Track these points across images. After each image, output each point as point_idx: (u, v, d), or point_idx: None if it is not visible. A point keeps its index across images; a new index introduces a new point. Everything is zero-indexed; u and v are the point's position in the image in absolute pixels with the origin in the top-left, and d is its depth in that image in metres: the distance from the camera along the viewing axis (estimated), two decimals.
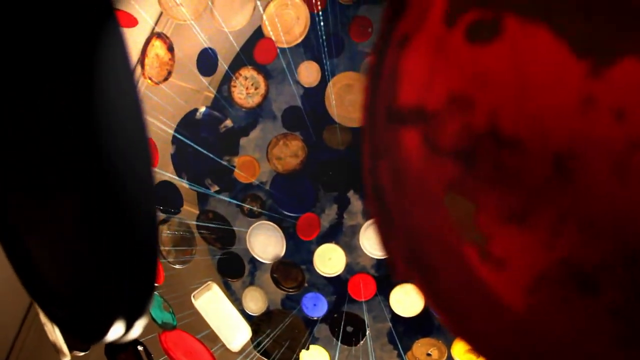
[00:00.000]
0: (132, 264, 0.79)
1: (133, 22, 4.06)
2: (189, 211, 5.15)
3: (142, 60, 4.10)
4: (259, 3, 4.40)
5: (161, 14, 4.51)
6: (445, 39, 0.63)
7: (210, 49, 4.53)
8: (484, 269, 0.68)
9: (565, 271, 0.61)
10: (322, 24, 4.75)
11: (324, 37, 4.86)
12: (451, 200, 0.70)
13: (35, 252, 0.91)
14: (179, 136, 4.41)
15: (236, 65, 4.87)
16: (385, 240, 0.80)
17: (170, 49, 4.25)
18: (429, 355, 4.70)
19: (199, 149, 4.32)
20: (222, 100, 5.32)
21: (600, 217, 0.58)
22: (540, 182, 0.60)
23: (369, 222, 4.73)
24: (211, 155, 4.47)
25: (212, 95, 5.37)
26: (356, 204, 5.38)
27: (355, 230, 5.33)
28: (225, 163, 4.60)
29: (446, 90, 0.65)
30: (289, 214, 4.77)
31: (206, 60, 4.49)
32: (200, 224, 4.59)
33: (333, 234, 5.37)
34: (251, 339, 4.45)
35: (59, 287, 0.92)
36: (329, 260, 4.71)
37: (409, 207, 0.76)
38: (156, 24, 4.57)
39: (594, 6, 0.55)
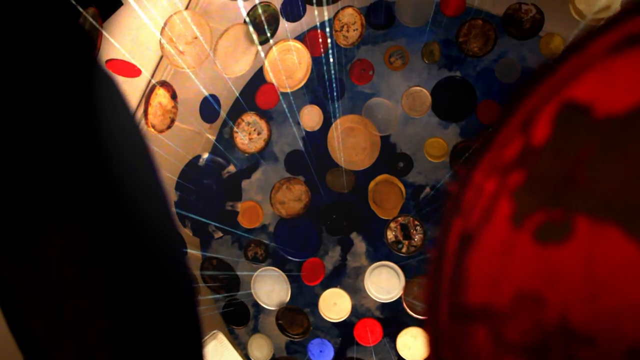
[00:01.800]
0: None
1: (136, 72, 4.08)
2: (191, 254, 5.12)
3: (145, 109, 4.10)
4: (259, 49, 4.42)
5: (160, 59, 4.54)
6: (513, 240, 0.63)
7: (212, 95, 4.54)
8: None
9: None
10: (324, 68, 4.79)
11: (326, 81, 4.89)
12: None
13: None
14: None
15: (238, 109, 4.89)
16: None
17: (174, 96, 4.27)
18: None
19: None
20: (224, 142, 5.33)
21: None
22: None
23: (374, 265, 4.72)
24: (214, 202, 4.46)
25: (214, 138, 5.38)
26: (359, 245, 5.36)
27: (359, 272, 5.31)
28: (228, 209, 4.59)
29: (515, 289, 0.64)
30: (293, 259, 4.75)
31: (209, 108, 4.50)
32: (205, 273, 4.56)
33: (337, 276, 5.35)
34: None
35: None
36: (334, 305, 4.68)
37: None
38: (155, 70, 4.59)
39: None
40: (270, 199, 4.73)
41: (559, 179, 0.60)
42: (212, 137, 5.47)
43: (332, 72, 4.91)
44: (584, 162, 0.59)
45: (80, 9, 3.43)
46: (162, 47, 4.10)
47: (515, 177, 0.62)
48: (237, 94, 4.86)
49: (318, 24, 4.70)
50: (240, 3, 4.15)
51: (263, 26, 4.39)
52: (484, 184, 0.66)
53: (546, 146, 0.61)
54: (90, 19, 3.52)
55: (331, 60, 4.80)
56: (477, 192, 0.67)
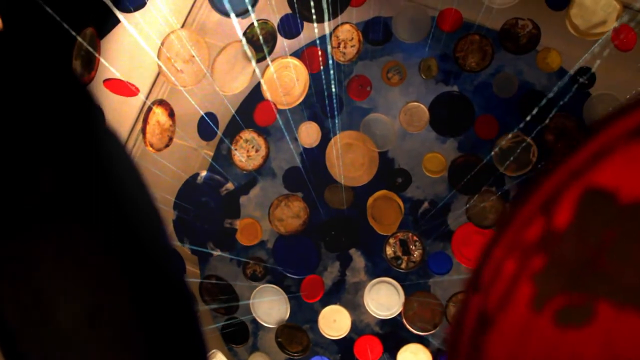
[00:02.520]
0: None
1: (134, 91, 4.07)
2: (191, 270, 5.10)
3: (143, 128, 4.09)
4: (255, 68, 4.42)
5: (157, 76, 4.53)
6: (533, 323, 0.62)
7: (210, 113, 4.53)
8: None
9: None
10: (322, 84, 4.79)
11: (324, 98, 4.89)
12: None
13: None
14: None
15: (236, 125, 4.87)
16: None
17: (171, 114, 4.25)
18: None
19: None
20: (222, 159, 5.32)
21: None
22: None
23: (374, 281, 4.70)
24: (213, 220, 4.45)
25: (211, 154, 5.36)
26: (358, 260, 5.35)
27: (359, 288, 5.29)
28: (227, 226, 4.57)
29: None
30: (292, 276, 4.74)
31: (206, 126, 4.49)
32: (204, 291, 4.54)
33: (336, 292, 5.33)
34: None
35: None
36: (334, 322, 4.66)
37: None
38: (152, 87, 4.58)
39: None
40: (268, 216, 4.71)
41: (581, 263, 0.59)
42: (210, 153, 5.45)
43: (330, 88, 4.91)
44: (606, 247, 0.58)
45: (76, 36, 3.43)
46: (159, 66, 4.09)
47: (536, 261, 0.62)
48: (234, 112, 4.85)
49: (317, 40, 4.70)
50: (235, 21, 4.15)
51: (260, 44, 4.39)
52: (504, 263, 0.65)
53: (568, 230, 0.60)
54: (86, 45, 3.52)
55: (330, 76, 4.80)
56: (497, 271, 0.66)
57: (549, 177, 0.64)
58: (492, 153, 4.80)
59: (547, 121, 4.79)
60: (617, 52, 4.51)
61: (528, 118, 4.93)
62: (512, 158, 4.72)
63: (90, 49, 3.47)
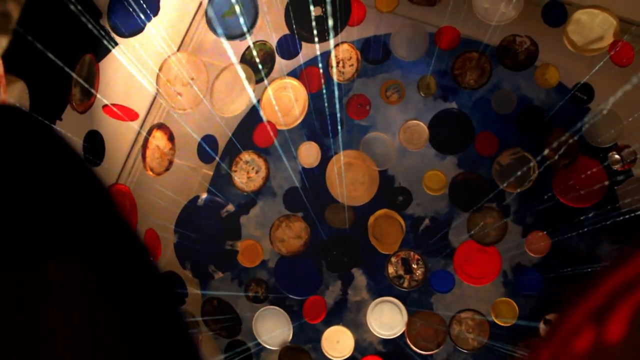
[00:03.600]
0: None
1: (134, 115, 4.05)
2: (192, 292, 5.06)
3: (143, 153, 4.06)
4: (250, 92, 4.40)
5: (154, 100, 4.52)
6: None
7: (209, 136, 4.52)
8: None
9: None
10: (321, 104, 4.78)
11: (323, 117, 4.88)
12: None
13: None
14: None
15: (235, 146, 4.85)
16: None
17: (171, 138, 4.23)
18: None
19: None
20: (222, 178, 5.30)
21: None
22: None
23: (376, 300, 4.68)
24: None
25: (211, 174, 5.34)
26: (360, 279, 5.33)
27: (361, 306, 5.27)
28: (228, 248, 4.54)
29: None
30: (295, 297, 4.71)
31: (206, 148, 4.47)
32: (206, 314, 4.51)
33: (338, 311, 5.30)
34: None
35: None
36: (337, 343, 4.64)
37: None
38: (150, 108, 4.57)
39: None
40: (270, 237, 4.69)
41: None
42: (210, 173, 5.44)
43: (329, 107, 4.90)
44: None
45: (74, 75, 3.42)
46: (158, 91, 4.08)
47: None
48: (231, 136, 4.84)
49: (315, 60, 4.70)
50: (229, 49, 4.13)
51: (258, 65, 4.38)
52: None
53: (620, 345, 0.58)
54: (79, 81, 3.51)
55: (329, 96, 4.80)
56: None
57: (603, 283, 0.62)
58: (492, 169, 4.80)
59: (546, 137, 4.80)
60: (616, 67, 4.53)
61: (527, 134, 4.94)
62: (513, 176, 4.73)
63: (83, 85, 3.45)
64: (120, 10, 3.83)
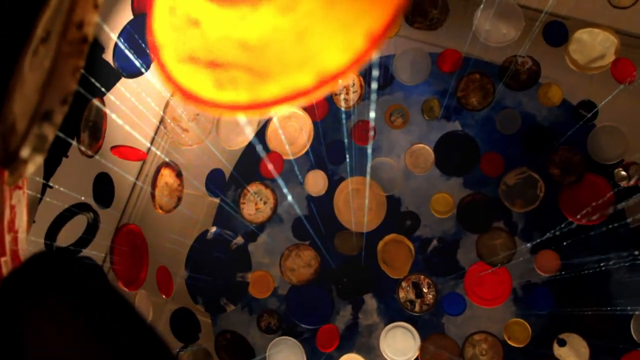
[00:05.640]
0: None
1: (142, 155, 4.06)
2: (204, 321, 5.06)
3: (152, 192, 4.07)
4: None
5: (156, 133, 4.52)
6: None
7: (217, 170, 4.53)
8: None
9: None
10: (326, 131, 4.79)
11: (329, 145, 4.89)
12: None
13: None
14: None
15: (242, 177, 4.86)
16: None
17: (179, 175, 4.24)
18: None
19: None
20: (229, 207, 5.30)
21: None
22: None
23: (389, 326, 4.69)
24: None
25: (217, 202, 5.34)
26: (370, 302, 5.33)
27: (372, 330, 5.28)
28: (239, 280, 4.55)
29: None
30: (307, 326, 4.72)
31: (214, 182, 4.48)
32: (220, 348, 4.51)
33: (350, 335, 5.30)
34: None
35: None
36: None
37: None
38: (153, 140, 4.57)
39: None
40: (280, 267, 4.70)
41: None
42: (216, 200, 5.44)
43: (335, 135, 4.91)
44: None
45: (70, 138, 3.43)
46: (164, 128, 4.09)
47: None
48: (232, 170, 4.84)
49: None
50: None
51: None
52: None
53: None
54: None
55: (334, 123, 4.81)
56: None
57: None
58: (499, 190, 4.82)
59: (551, 155, 4.82)
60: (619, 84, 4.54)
61: (533, 153, 4.96)
62: (519, 196, 4.74)
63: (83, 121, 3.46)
64: (122, 52, 3.83)
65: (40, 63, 1.18)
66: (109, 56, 3.82)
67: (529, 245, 5.09)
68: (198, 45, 0.74)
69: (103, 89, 3.82)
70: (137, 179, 4.49)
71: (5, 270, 1.45)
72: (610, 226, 4.65)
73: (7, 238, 1.51)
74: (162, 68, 0.77)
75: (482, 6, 4.51)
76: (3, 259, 1.48)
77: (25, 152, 1.13)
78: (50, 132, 1.12)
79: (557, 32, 4.62)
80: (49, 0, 1.29)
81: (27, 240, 1.54)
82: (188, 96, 0.74)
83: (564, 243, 4.75)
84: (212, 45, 0.73)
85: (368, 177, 4.87)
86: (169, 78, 0.77)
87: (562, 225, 4.57)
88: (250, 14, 0.71)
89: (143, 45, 3.76)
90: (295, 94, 0.67)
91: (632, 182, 4.66)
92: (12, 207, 1.52)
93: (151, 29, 0.81)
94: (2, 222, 1.48)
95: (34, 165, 1.17)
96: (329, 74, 0.66)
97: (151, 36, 0.80)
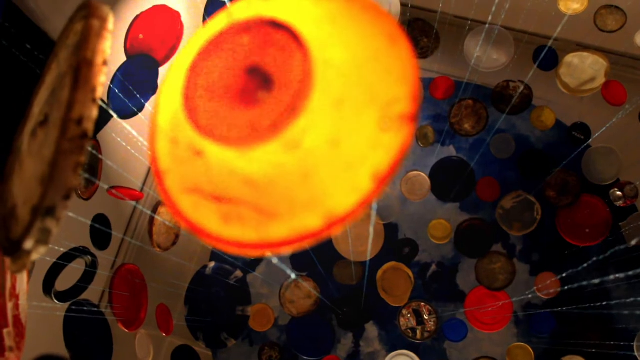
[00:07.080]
0: None
1: (138, 195, 4.05)
2: (205, 354, 5.03)
3: (150, 230, 4.05)
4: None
5: (148, 172, 4.52)
6: None
7: None
8: None
9: None
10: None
11: None
12: None
13: None
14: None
15: None
16: None
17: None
18: None
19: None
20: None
21: None
22: None
23: (391, 355, 4.67)
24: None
25: None
26: (371, 330, 5.31)
27: (374, 358, 5.25)
28: (239, 314, 4.53)
29: None
30: (309, 358, 4.69)
31: None
32: None
33: None
34: None
35: None
36: None
37: None
38: (146, 180, 4.57)
39: None
40: (279, 299, 4.67)
41: None
42: None
43: None
44: None
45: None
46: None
47: None
48: None
49: None
50: None
51: None
52: None
53: None
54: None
55: None
56: None
57: None
58: (496, 214, 4.82)
59: (547, 177, 4.84)
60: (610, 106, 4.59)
61: (528, 176, 4.97)
62: (517, 219, 4.75)
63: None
64: (116, 95, 3.83)
65: (40, 150, 1.18)
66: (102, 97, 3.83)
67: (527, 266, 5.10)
68: (202, 178, 0.75)
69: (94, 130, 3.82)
70: (131, 218, 4.49)
71: (8, 342, 1.44)
72: (610, 249, 4.67)
73: (9, 306, 1.50)
74: (167, 196, 0.77)
75: (471, 33, 4.56)
76: (6, 330, 1.46)
77: (28, 245, 1.13)
78: (53, 226, 1.12)
79: (546, 56, 4.66)
80: (44, 77, 1.29)
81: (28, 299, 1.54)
82: (194, 228, 0.74)
83: (563, 263, 4.77)
84: (216, 178, 0.73)
85: (374, 205, 4.86)
86: (173, 208, 0.76)
87: (557, 242, 4.58)
88: (255, 151, 0.71)
89: (134, 89, 3.77)
90: (304, 235, 0.67)
91: (627, 201, 4.68)
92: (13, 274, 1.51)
93: (154, 157, 0.81)
94: (3, 294, 1.47)
95: (37, 255, 1.17)
96: (337, 215, 0.67)
97: (154, 164, 0.80)
